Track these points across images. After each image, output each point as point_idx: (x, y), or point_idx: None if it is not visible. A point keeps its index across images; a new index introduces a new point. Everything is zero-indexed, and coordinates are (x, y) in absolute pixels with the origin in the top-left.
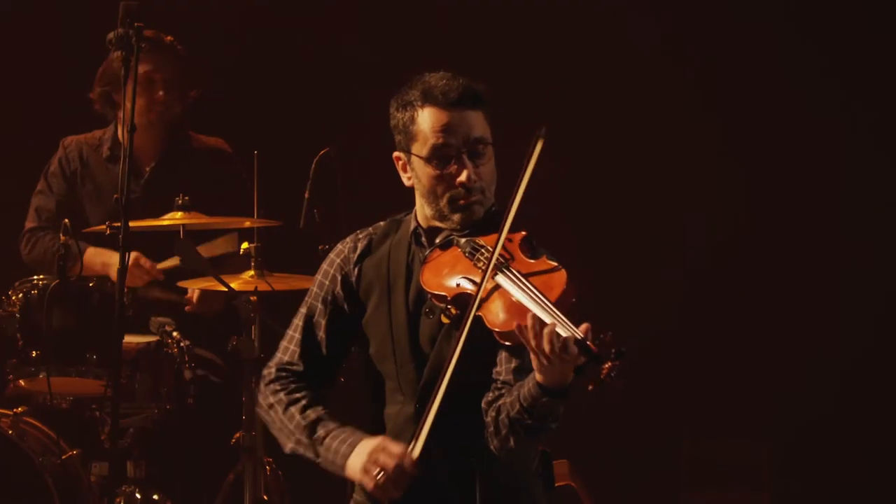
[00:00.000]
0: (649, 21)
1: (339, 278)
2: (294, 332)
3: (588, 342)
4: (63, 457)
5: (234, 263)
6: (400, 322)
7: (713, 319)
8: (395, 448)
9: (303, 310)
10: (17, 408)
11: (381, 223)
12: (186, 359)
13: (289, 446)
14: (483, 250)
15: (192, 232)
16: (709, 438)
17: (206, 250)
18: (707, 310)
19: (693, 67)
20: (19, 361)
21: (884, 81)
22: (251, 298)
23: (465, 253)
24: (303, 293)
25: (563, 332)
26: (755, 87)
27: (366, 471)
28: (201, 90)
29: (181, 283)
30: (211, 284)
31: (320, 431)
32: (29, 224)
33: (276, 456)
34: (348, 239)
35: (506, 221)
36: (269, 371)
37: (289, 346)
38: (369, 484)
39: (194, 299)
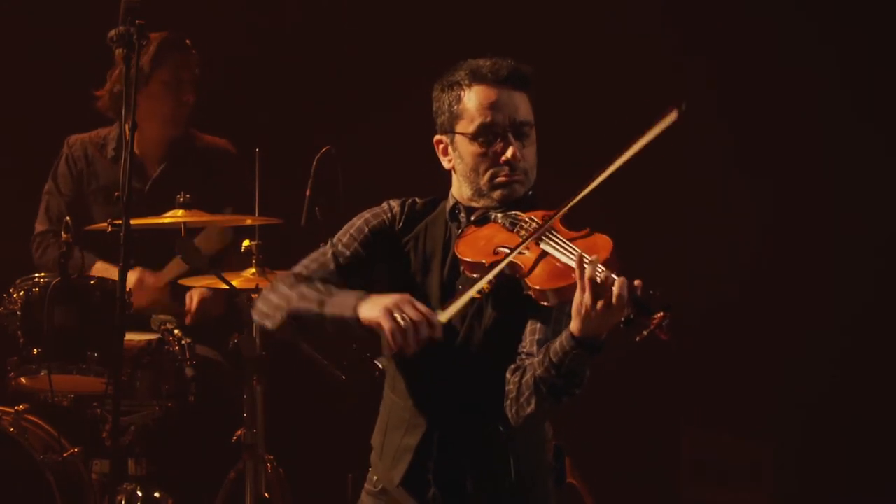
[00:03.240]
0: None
1: (368, 240)
2: (321, 260)
3: (640, 296)
4: (64, 454)
5: (234, 261)
6: (434, 298)
7: (714, 317)
8: (422, 305)
9: (329, 249)
10: (19, 405)
11: (416, 199)
12: (187, 356)
13: (283, 312)
14: (524, 222)
15: (191, 229)
16: (709, 435)
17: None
18: (707, 307)
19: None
20: (20, 359)
21: None
22: (252, 297)
23: (504, 226)
24: None
25: (619, 283)
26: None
27: (387, 310)
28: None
29: (182, 282)
30: (212, 282)
31: (331, 288)
32: (39, 227)
33: (278, 454)
34: (385, 205)
35: (589, 186)
36: (285, 273)
37: (311, 268)
38: (388, 323)
39: (192, 309)
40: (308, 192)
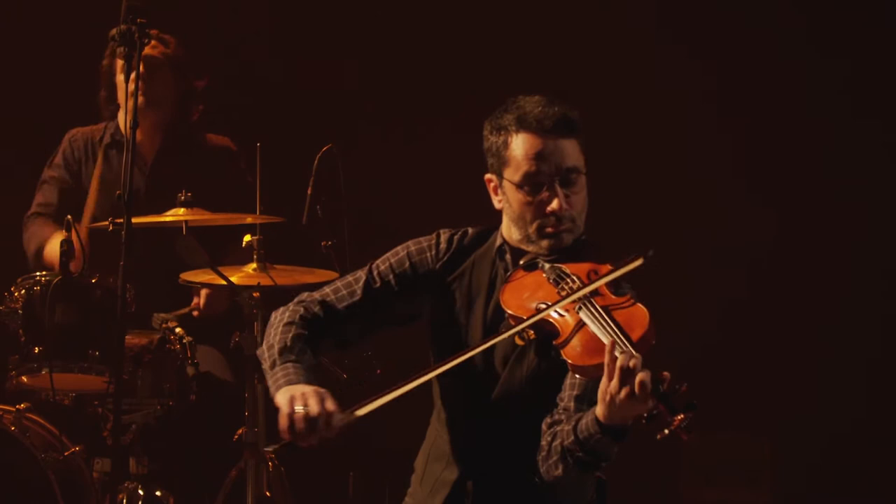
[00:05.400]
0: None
1: (406, 274)
2: (352, 287)
3: (666, 391)
4: (66, 453)
5: (235, 259)
6: (475, 337)
7: (714, 315)
8: (333, 403)
9: (364, 275)
10: (20, 404)
11: (469, 229)
12: (189, 355)
13: (259, 349)
14: (568, 279)
15: (193, 228)
16: (709, 433)
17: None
18: (708, 305)
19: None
20: (22, 357)
21: None
22: (254, 294)
23: (549, 279)
24: (306, 288)
25: (643, 376)
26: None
27: (291, 400)
28: (199, 82)
29: (184, 277)
30: (213, 279)
31: (292, 356)
32: (29, 210)
33: (279, 452)
34: (434, 238)
35: (601, 278)
36: (311, 297)
37: (339, 294)
38: (284, 410)
39: (202, 303)
40: (309, 191)
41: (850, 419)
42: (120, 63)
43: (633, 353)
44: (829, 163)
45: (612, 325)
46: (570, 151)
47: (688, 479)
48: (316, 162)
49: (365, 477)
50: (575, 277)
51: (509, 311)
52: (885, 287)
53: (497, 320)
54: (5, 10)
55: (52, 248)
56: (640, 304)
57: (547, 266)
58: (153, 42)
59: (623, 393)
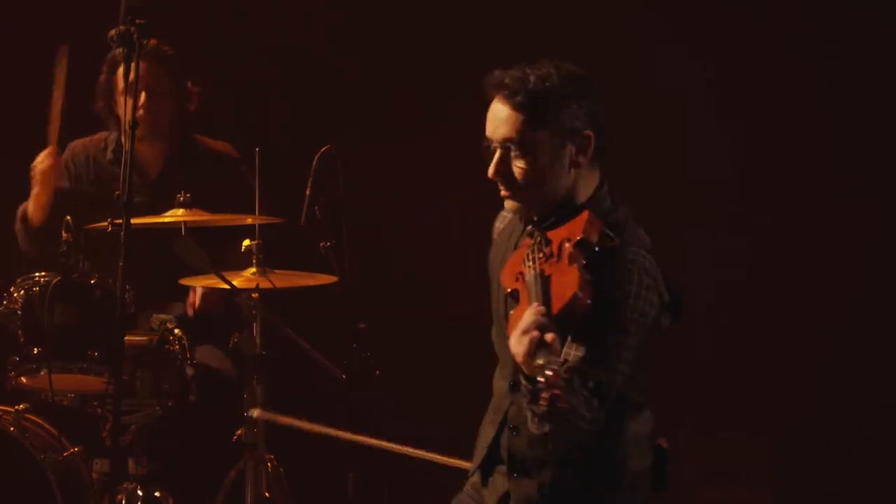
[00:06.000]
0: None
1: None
2: None
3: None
4: (65, 454)
5: (235, 261)
6: (500, 302)
7: (714, 314)
8: None
9: None
10: (19, 405)
11: None
12: (188, 356)
13: None
14: (545, 248)
15: (192, 230)
16: (709, 433)
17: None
18: (708, 304)
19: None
20: (21, 358)
21: None
22: (253, 295)
23: (531, 246)
24: (304, 290)
25: (517, 345)
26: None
27: None
28: (197, 90)
29: (183, 281)
30: (213, 282)
31: None
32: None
33: (278, 453)
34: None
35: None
36: None
37: None
38: None
39: (196, 301)
40: (308, 192)
41: (850, 419)
42: (121, 85)
43: (537, 322)
44: (829, 163)
45: (539, 291)
46: (503, 117)
47: (688, 479)
48: (315, 163)
49: (364, 478)
50: (547, 243)
51: (505, 287)
52: (886, 287)
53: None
54: (5, 11)
55: (27, 204)
56: (574, 269)
57: (536, 233)
58: (153, 62)
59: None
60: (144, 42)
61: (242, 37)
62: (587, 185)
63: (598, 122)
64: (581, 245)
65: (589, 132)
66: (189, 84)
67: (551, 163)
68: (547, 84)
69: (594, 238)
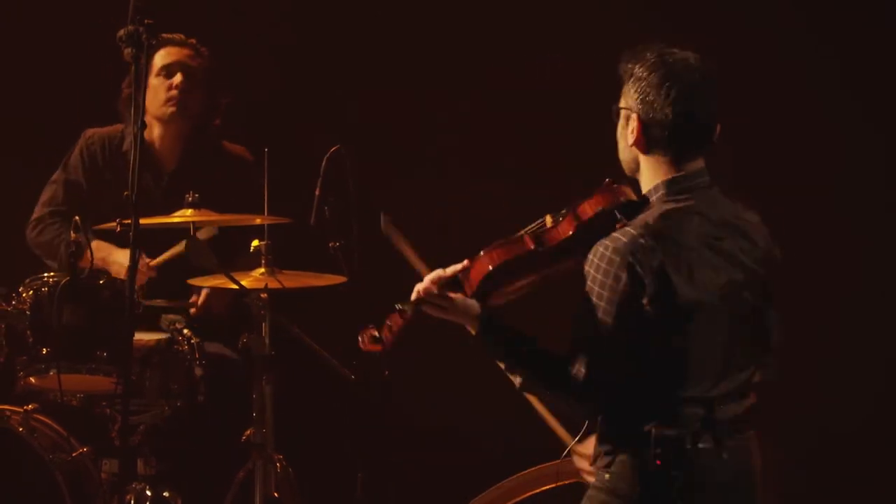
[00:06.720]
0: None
1: None
2: None
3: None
4: (73, 454)
5: (243, 262)
6: None
7: None
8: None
9: None
10: (28, 405)
11: None
12: (197, 356)
13: None
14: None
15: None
16: None
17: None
18: None
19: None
20: (30, 358)
21: None
22: (262, 296)
23: None
24: (313, 290)
25: (419, 287)
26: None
27: None
28: (230, 98)
29: (191, 282)
30: (222, 282)
31: None
32: (39, 211)
33: (287, 453)
34: None
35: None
36: None
37: None
38: None
39: (200, 301)
40: (317, 192)
41: (850, 419)
42: (155, 67)
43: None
44: (829, 163)
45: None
46: None
47: None
48: (324, 163)
49: (373, 478)
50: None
51: None
52: (887, 287)
53: None
54: (10, 11)
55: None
56: (483, 254)
57: None
58: (190, 51)
59: None
60: (171, 37)
61: (247, 36)
62: (649, 172)
63: (656, 108)
64: (587, 223)
65: (635, 114)
66: (220, 98)
67: (620, 135)
68: (629, 63)
69: (590, 211)
